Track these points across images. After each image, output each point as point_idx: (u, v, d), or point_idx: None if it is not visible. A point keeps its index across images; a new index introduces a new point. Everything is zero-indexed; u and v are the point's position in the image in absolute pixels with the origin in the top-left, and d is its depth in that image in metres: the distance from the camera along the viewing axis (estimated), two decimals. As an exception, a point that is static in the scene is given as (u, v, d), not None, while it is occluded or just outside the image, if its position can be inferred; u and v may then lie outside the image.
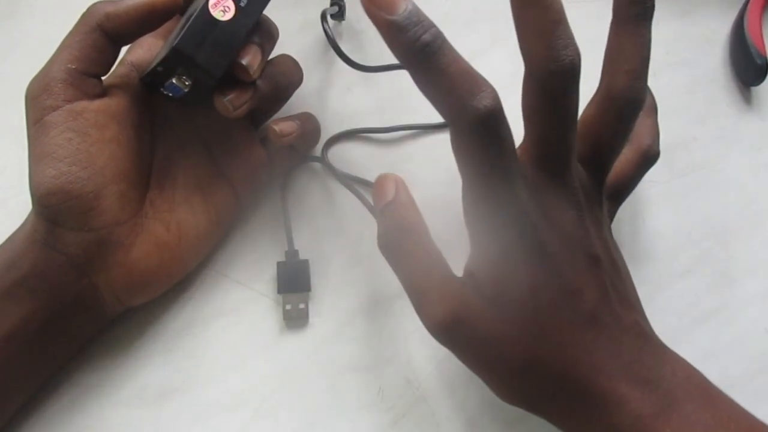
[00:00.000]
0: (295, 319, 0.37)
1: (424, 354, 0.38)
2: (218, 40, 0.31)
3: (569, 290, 0.29)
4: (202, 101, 0.33)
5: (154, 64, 0.33)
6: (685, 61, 0.44)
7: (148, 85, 0.35)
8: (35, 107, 0.32)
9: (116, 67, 0.35)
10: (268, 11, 0.33)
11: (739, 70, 0.44)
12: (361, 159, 0.41)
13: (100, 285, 0.33)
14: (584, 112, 0.32)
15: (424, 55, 0.26)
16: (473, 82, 0.27)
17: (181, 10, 0.33)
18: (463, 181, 0.29)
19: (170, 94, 0.33)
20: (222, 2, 0.31)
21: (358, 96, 0.42)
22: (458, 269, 0.32)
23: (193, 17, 0.31)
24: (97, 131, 0.32)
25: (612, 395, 0.29)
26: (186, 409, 0.36)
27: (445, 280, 0.30)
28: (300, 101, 0.40)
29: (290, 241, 0.39)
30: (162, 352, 0.37)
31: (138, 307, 0.36)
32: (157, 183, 0.35)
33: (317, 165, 0.40)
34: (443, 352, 0.31)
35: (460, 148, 0.28)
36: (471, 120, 0.26)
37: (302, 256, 0.38)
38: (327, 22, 0.38)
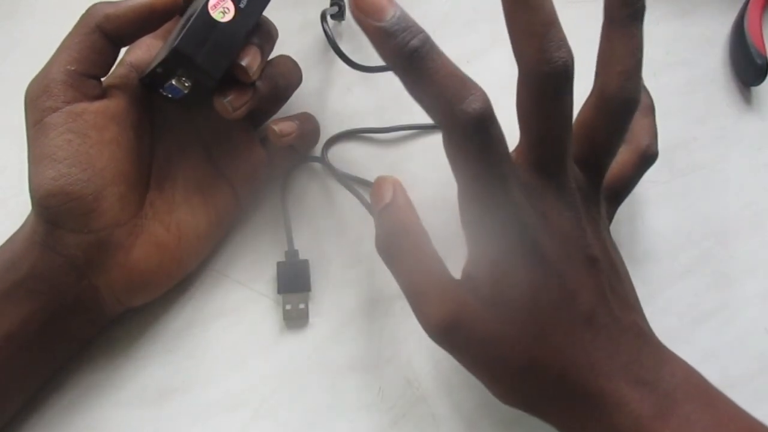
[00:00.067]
0: (295, 319, 0.37)
1: (424, 354, 0.38)
2: (218, 41, 0.31)
3: (567, 291, 0.29)
4: (202, 102, 0.33)
5: (153, 65, 0.33)
6: (685, 61, 0.44)
7: (148, 86, 0.35)
8: (35, 109, 0.32)
9: (115, 67, 0.35)
10: (268, 11, 0.33)
11: (739, 70, 0.44)
12: (360, 159, 0.41)
13: (100, 286, 0.33)
14: (579, 113, 0.32)
15: (412, 60, 0.26)
16: (462, 85, 0.27)
17: (181, 11, 0.33)
18: (458, 185, 0.29)
19: (170, 95, 0.33)
20: (222, 3, 0.31)
21: (358, 96, 0.42)
22: (459, 269, 0.32)
23: (192, 18, 0.31)
24: (96, 133, 0.32)
25: (611, 396, 0.29)
26: (186, 409, 0.36)
27: (442, 283, 0.30)
28: (300, 101, 0.40)
29: (290, 241, 0.39)
30: (162, 353, 0.37)
31: (138, 308, 0.36)
32: (156, 184, 0.36)
33: (317, 165, 0.40)
34: (443, 352, 0.31)
35: (452, 151, 0.28)
36: (461, 123, 0.27)
37: (302, 256, 0.38)
38: (327, 22, 0.38)
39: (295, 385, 0.37)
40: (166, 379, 0.36)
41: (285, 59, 0.37)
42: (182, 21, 0.34)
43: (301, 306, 0.37)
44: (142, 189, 0.35)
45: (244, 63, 0.32)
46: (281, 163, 0.39)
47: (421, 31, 0.27)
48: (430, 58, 0.27)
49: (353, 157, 0.41)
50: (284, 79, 0.36)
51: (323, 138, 0.40)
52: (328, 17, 0.38)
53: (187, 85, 0.32)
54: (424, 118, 0.41)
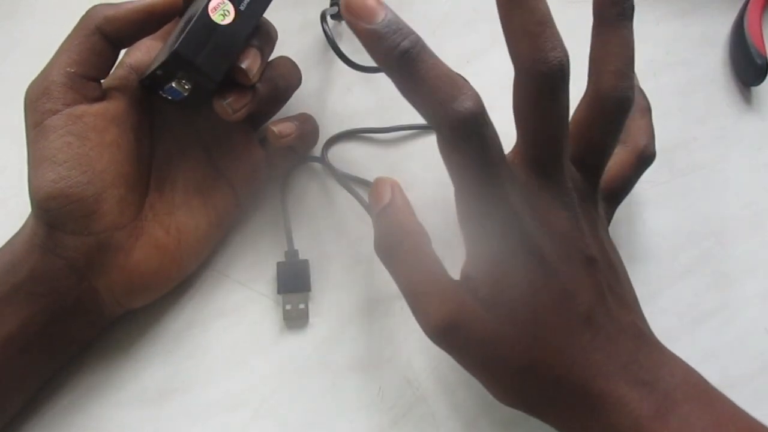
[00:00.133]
0: (295, 319, 0.38)
1: (424, 354, 0.38)
2: (218, 44, 0.31)
3: (565, 292, 0.29)
4: (202, 104, 0.33)
5: (153, 67, 0.33)
6: (685, 61, 0.44)
7: (148, 88, 0.35)
8: (34, 111, 0.32)
9: (115, 69, 0.35)
10: (268, 12, 0.33)
11: (739, 70, 0.44)
12: (360, 159, 0.41)
13: (100, 288, 0.33)
14: (574, 113, 0.32)
15: (403, 61, 0.27)
16: (454, 85, 0.27)
17: (180, 13, 0.33)
18: (454, 186, 0.29)
19: (170, 98, 0.33)
20: (221, 6, 0.31)
21: (358, 96, 0.42)
22: (458, 269, 0.32)
23: (193, 21, 0.31)
24: (96, 135, 0.32)
25: (610, 396, 0.29)
26: (186, 409, 0.36)
27: (441, 284, 0.30)
28: (300, 101, 0.40)
29: (290, 241, 0.39)
30: (162, 353, 0.37)
31: (138, 309, 0.36)
32: (156, 186, 0.36)
33: (317, 165, 0.41)
34: (443, 352, 0.31)
35: (446, 152, 0.28)
36: (453, 123, 0.27)
37: (302, 256, 0.38)
38: (327, 22, 0.38)
39: (295, 385, 0.37)
40: (166, 380, 0.36)
41: (284, 60, 0.37)
42: (182, 23, 0.34)
43: (301, 306, 0.37)
44: (142, 191, 0.35)
45: (244, 65, 0.32)
46: (281, 163, 0.39)
47: (411, 32, 0.27)
48: (421, 59, 0.27)
49: (353, 157, 0.41)
50: (284, 80, 0.36)
51: (323, 138, 0.40)
52: (328, 17, 0.38)
53: (187, 87, 0.32)
54: (424, 118, 0.41)
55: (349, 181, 0.39)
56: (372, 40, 0.27)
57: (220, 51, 0.31)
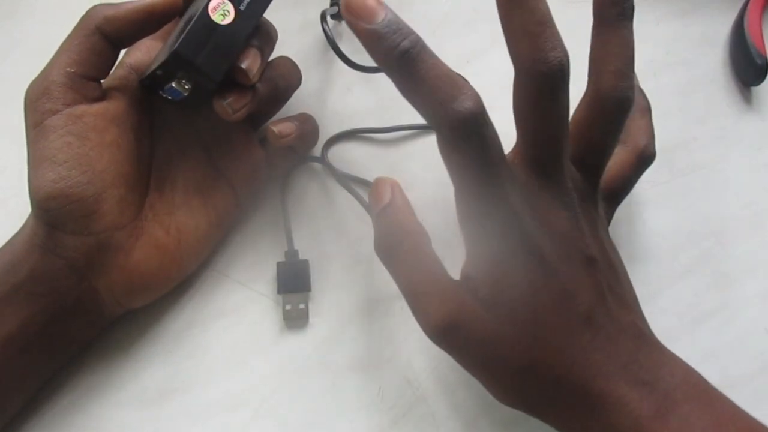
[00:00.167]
0: (295, 319, 0.38)
1: (424, 354, 0.38)
2: (218, 44, 0.31)
3: (565, 292, 0.29)
4: (202, 104, 0.33)
5: (153, 67, 0.33)
6: (685, 61, 0.44)
7: (148, 88, 0.35)
8: (34, 111, 0.32)
9: (115, 69, 0.35)
10: (268, 12, 0.33)
11: (739, 70, 0.44)
12: (360, 159, 0.41)
13: (100, 288, 0.33)
14: (574, 113, 0.32)
15: (403, 61, 0.27)
16: (454, 85, 0.27)
17: (180, 13, 0.33)
18: (454, 186, 0.29)
19: (170, 98, 0.33)
20: (222, 6, 0.31)
21: (358, 96, 0.42)
22: (458, 269, 0.32)
23: (193, 21, 0.31)
24: (96, 135, 0.32)
25: (610, 397, 0.29)
26: (186, 409, 0.36)
27: (441, 284, 0.30)
28: (300, 101, 0.40)
29: (290, 241, 0.39)
30: (162, 353, 0.37)
31: (138, 309, 0.36)
32: (156, 186, 0.36)
33: (317, 165, 0.41)
34: (443, 352, 0.31)
35: (446, 152, 0.28)
36: (453, 123, 0.27)
37: (302, 256, 0.38)
38: (326, 22, 0.38)
39: (295, 385, 0.37)
40: (166, 380, 0.36)
41: (285, 60, 0.37)
42: (182, 23, 0.34)
43: (301, 306, 0.37)
44: (142, 191, 0.35)
45: (244, 65, 0.32)
46: (281, 163, 0.39)
47: (411, 32, 0.27)
48: (421, 59, 0.27)
49: (353, 157, 0.41)
50: (284, 80, 0.36)
51: (323, 138, 0.40)
52: (328, 17, 0.38)
53: (187, 87, 0.32)
54: (424, 118, 0.41)
55: (349, 181, 0.39)
56: (372, 40, 0.27)
57: (220, 51, 0.31)
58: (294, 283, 0.38)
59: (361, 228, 0.39)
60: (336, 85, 0.42)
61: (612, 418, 0.28)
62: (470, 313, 0.29)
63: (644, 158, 0.37)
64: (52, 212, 0.31)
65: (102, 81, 0.34)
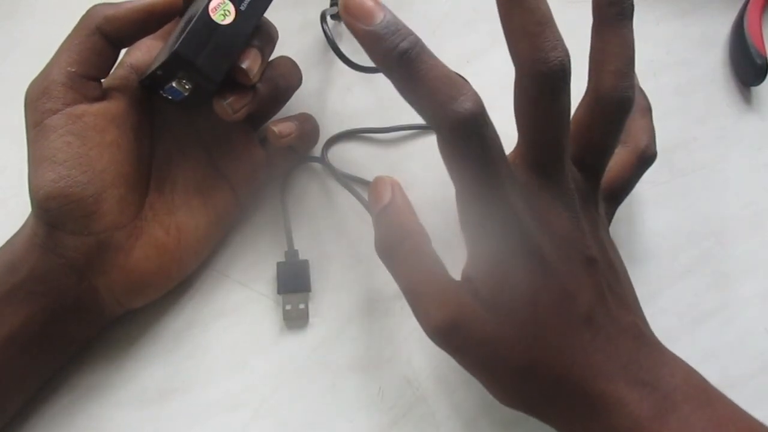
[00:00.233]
0: (295, 319, 0.38)
1: (424, 354, 0.38)
2: (218, 44, 0.31)
3: (565, 293, 0.29)
4: (202, 104, 0.33)
5: (153, 67, 0.33)
6: (685, 61, 0.44)
7: (148, 88, 0.35)
8: (35, 110, 0.32)
9: (115, 69, 0.35)
10: (268, 12, 0.33)
11: (739, 70, 0.44)
12: (361, 159, 0.41)
13: (100, 288, 0.33)
14: (575, 113, 0.32)
15: (402, 62, 0.26)
16: (453, 86, 0.27)
17: (181, 13, 0.33)
18: (455, 187, 0.29)
19: (170, 98, 0.33)
20: (222, 5, 0.31)
21: (358, 96, 0.42)
22: (459, 269, 0.32)
23: (193, 21, 0.31)
24: (96, 134, 0.32)
25: (610, 397, 0.29)
26: (186, 409, 0.36)
27: (442, 285, 0.30)
28: (300, 101, 0.40)
29: (290, 241, 0.39)
30: (162, 353, 0.37)
31: (138, 308, 0.36)
32: (156, 186, 0.36)
33: (317, 165, 0.40)
34: (443, 352, 0.31)
35: (446, 153, 0.28)
36: (452, 124, 0.27)
37: (302, 256, 0.38)
38: (326, 22, 0.38)
39: (295, 385, 0.37)
40: (166, 380, 0.36)
41: (285, 60, 0.37)
42: (182, 23, 0.34)
43: (301, 306, 0.37)
44: (141, 191, 0.35)
45: (244, 65, 0.32)
46: (281, 163, 0.39)
47: (410, 33, 0.27)
48: (420, 59, 0.27)
49: (353, 157, 0.41)
50: (284, 80, 0.36)
51: (323, 138, 0.40)
52: (328, 17, 0.38)
53: (187, 87, 0.32)
54: (424, 119, 0.41)
55: (349, 181, 0.39)
56: (370, 41, 0.27)
57: (221, 51, 0.31)
58: (294, 283, 0.38)
59: (361, 228, 0.39)
60: (336, 85, 0.42)
61: (612, 418, 0.28)
62: (470, 314, 0.29)
63: (645, 158, 0.37)
64: (52, 212, 0.31)
65: (102, 81, 0.34)
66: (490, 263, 0.30)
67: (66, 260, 0.32)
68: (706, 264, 0.41)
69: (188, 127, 0.37)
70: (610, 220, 0.35)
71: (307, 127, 0.38)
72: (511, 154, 0.31)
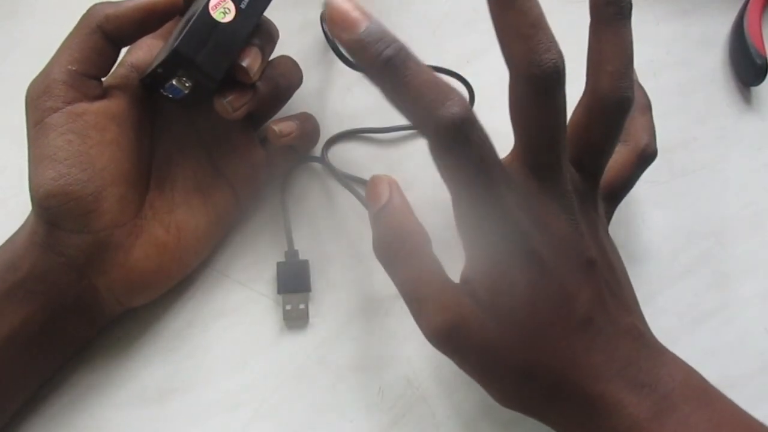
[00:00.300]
0: (295, 319, 0.38)
1: (424, 354, 0.38)
2: (219, 42, 0.31)
3: (564, 295, 0.29)
4: (202, 102, 0.33)
5: (154, 65, 0.33)
6: (685, 61, 0.44)
7: (148, 87, 0.35)
8: (35, 109, 0.32)
9: (116, 68, 0.35)
10: (268, 11, 0.33)
11: (739, 70, 0.44)
12: (361, 159, 0.41)
13: (100, 286, 0.33)
14: (573, 114, 0.32)
15: (387, 69, 0.26)
16: (439, 91, 0.26)
17: (181, 12, 0.33)
18: (449, 191, 0.29)
19: (170, 96, 0.33)
20: (222, 4, 0.31)
21: (358, 96, 0.42)
22: (458, 270, 0.32)
23: (193, 19, 0.31)
24: (97, 133, 0.32)
25: (609, 399, 0.28)
26: (186, 409, 0.36)
27: (441, 288, 0.30)
28: (300, 101, 0.40)
29: (290, 242, 0.39)
30: (162, 353, 0.37)
31: (138, 308, 0.36)
32: (156, 184, 0.36)
33: (317, 165, 0.40)
34: (443, 352, 0.31)
35: (437, 158, 0.27)
36: (440, 129, 0.26)
37: (302, 256, 0.38)
38: (326, 22, 0.38)
39: (295, 385, 0.37)
40: (166, 379, 0.36)
41: (285, 60, 0.37)
42: (183, 21, 0.34)
43: (301, 306, 0.37)
44: (142, 189, 0.35)
45: (244, 64, 0.32)
46: (281, 163, 0.39)
47: (395, 40, 0.26)
48: (406, 66, 0.26)
49: (353, 157, 0.41)
50: (285, 79, 0.36)
51: (323, 138, 0.40)
52: (328, 18, 0.38)
53: (187, 85, 0.32)
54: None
55: (350, 181, 0.39)
56: (356, 49, 0.26)
57: (221, 49, 0.31)
58: (294, 283, 0.38)
59: (362, 228, 0.39)
60: (336, 85, 0.42)
61: (611, 420, 0.28)
62: (469, 317, 0.29)
63: (645, 157, 0.36)
64: (52, 210, 0.31)
65: (103, 79, 0.34)
66: (488, 265, 0.29)
67: (66, 259, 0.32)
68: (706, 264, 0.41)
69: (188, 126, 0.37)
70: (609, 219, 0.35)
71: (308, 126, 0.38)
72: (508, 156, 0.31)
